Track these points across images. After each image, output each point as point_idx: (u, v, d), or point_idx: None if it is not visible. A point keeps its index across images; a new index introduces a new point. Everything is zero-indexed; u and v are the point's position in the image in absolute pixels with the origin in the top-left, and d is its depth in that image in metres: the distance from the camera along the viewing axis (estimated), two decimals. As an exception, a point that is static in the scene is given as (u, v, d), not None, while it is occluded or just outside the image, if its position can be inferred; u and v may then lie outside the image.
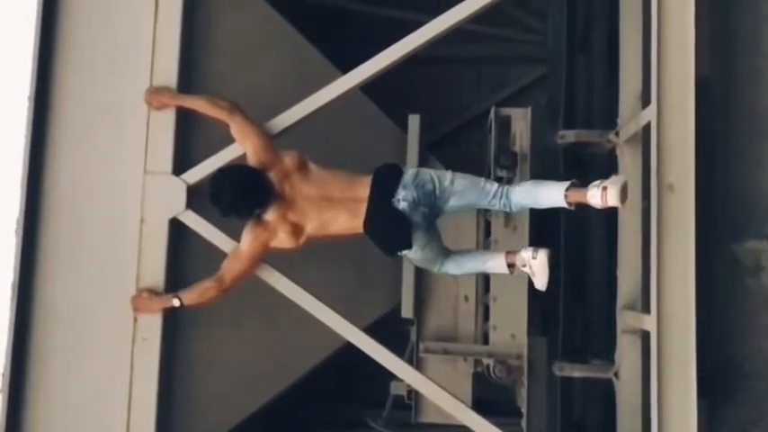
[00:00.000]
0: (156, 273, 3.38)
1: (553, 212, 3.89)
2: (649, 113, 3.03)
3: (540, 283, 3.14)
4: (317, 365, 3.92)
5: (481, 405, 3.81)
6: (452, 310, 4.16)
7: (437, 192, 3.12)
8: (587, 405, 4.17)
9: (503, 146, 4.07)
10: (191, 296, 3.25)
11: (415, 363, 4.05)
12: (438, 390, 3.41)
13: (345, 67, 3.51)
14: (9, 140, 3.55)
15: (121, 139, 3.46)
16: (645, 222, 3.27)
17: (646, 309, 3.16)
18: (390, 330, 4.02)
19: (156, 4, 3.47)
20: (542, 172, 3.96)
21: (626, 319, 3.44)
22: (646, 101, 3.24)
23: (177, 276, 3.44)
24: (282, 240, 3.19)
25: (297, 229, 3.19)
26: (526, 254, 3.15)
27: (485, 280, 4.11)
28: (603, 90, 4.25)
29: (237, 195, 3.10)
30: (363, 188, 3.17)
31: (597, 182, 2.95)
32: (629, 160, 3.51)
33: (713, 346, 3.22)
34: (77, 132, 3.49)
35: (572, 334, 3.97)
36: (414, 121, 4.14)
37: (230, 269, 3.21)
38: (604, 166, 3.99)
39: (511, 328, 3.97)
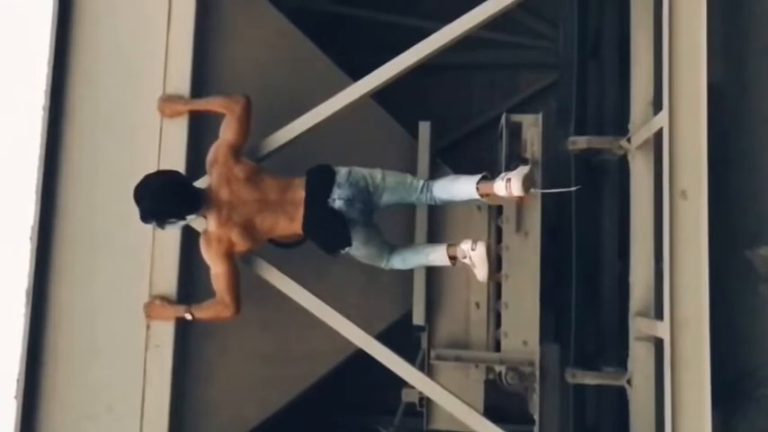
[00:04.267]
0: (168, 279, 3.40)
1: (565, 218, 3.89)
2: (661, 119, 3.01)
3: (481, 274, 3.29)
4: (328, 373, 3.92)
5: (493, 412, 3.79)
6: (464, 317, 4.15)
7: (370, 188, 3.23)
8: (600, 413, 4.14)
9: (514, 152, 4.05)
10: (204, 314, 3.28)
11: (427, 370, 4.03)
12: (450, 397, 3.40)
13: (357, 74, 3.52)
14: (23, 149, 3.59)
15: (134, 147, 3.49)
16: (657, 228, 3.25)
17: (659, 315, 3.14)
18: (402, 337, 4.01)
19: (168, 12, 3.50)
20: (553, 178, 3.95)
21: (639, 326, 3.41)
22: (657, 107, 3.22)
23: (190, 283, 3.45)
24: (240, 244, 3.19)
25: (248, 229, 3.19)
26: (465, 246, 3.28)
27: (496, 286, 4.09)
28: (615, 96, 4.23)
29: (157, 201, 3.08)
30: (299, 191, 3.22)
31: (504, 173, 3.14)
32: (640, 166, 3.50)
33: (727, 353, 3.19)
34: (91, 140, 3.53)
35: (584, 341, 3.93)
36: (424, 128, 4.13)
37: (221, 289, 3.22)
38: (616, 173, 3.98)
39: (523, 334, 3.95)
